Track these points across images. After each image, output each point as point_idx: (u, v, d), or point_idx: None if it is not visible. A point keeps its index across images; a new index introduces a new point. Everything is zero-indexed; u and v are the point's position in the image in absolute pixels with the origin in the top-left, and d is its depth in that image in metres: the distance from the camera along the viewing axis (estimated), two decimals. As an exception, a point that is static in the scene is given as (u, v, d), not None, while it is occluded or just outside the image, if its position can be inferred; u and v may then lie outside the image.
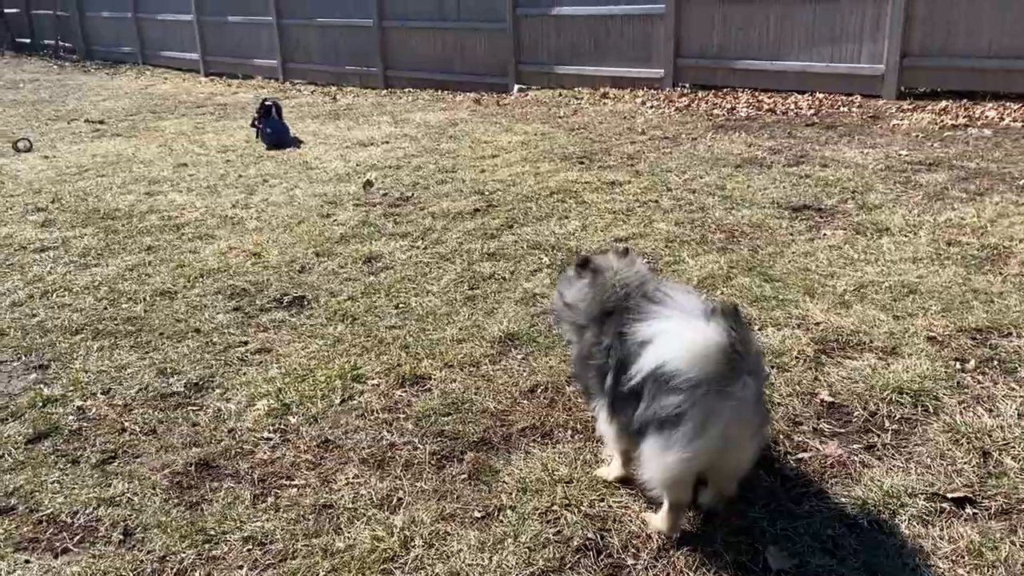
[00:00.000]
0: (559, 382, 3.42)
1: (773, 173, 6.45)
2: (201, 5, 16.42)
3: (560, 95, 11.07)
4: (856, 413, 3.08)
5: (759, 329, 3.77)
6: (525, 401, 3.30)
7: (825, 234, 5.02)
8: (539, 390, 3.37)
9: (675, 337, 2.16)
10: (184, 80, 15.98)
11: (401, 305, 4.34)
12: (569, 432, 3.06)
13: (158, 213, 6.24)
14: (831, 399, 3.17)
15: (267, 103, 8.91)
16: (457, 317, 4.13)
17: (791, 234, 5.04)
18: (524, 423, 3.14)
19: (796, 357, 3.49)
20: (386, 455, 2.99)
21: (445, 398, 3.35)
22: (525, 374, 3.50)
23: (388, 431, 3.14)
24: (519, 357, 3.67)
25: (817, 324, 3.79)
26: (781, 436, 2.95)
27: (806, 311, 3.93)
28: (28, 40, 22.03)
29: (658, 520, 2.46)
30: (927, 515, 2.50)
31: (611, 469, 2.73)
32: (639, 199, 5.94)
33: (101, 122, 10.83)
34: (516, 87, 12.07)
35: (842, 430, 2.99)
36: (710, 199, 5.83)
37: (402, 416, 3.25)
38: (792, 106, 9.02)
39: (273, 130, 8.68)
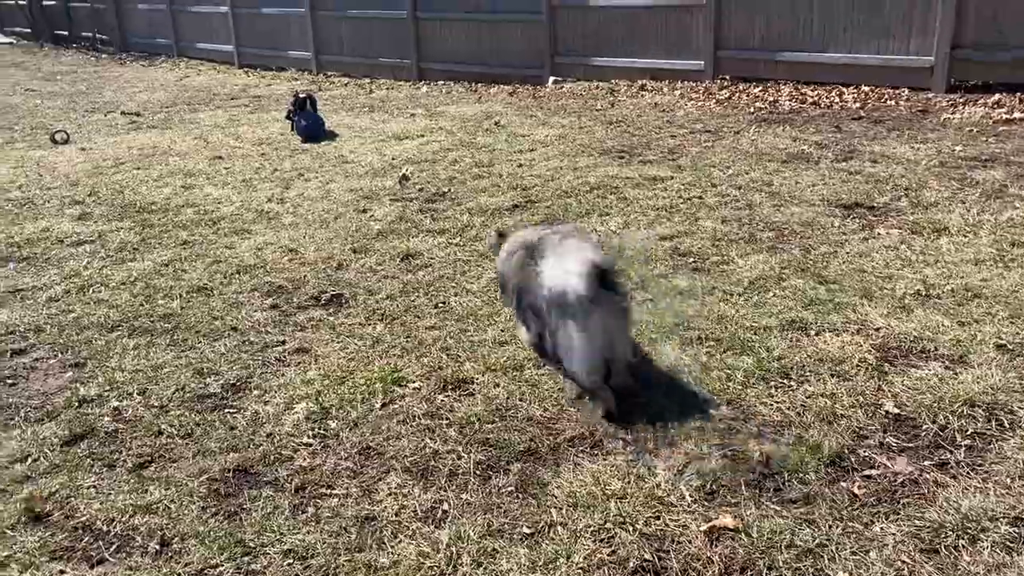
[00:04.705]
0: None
1: (821, 169, 6.23)
2: (235, -3, 16.44)
3: (597, 87, 10.89)
4: (925, 427, 2.90)
5: (815, 334, 3.60)
6: (572, 409, 3.17)
7: (879, 233, 4.82)
8: (587, 397, 3.23)
9: (564, 273, 2.98)
10: (218, 72, 16.00)
11: (441, 305, 4.23)
12: (620, 443, 2.92)
13: (194, 207, 6.18)
14: (897, 411, 3.00)
15: (301, 96, 8.83)
16: (498, 318, 4.00)
17: (844, 233, 4.84)
18: (572, 432, 3.01)
19: (857, 365, 3.32)
20: (429, 464, 2.88)
21: (489, 404, 3.23)
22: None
23: (431, 438, 3.03)
24: (564, 361, 3.53)
25: (877, 330, 3.61)
26: (845, 450, 2.79)
27: (864, 315, 3.75)
28: (66, 32, 22.24)
29: (595, 413, 3.06)
30: (1011, 542, 2.33)
31: (522, 334, 3.46)
32: (682, 195, 5.77)
33: (137, 114, 10.85)
34: (551, 79, 11.90)
35: (911, 445, 2.82)
36: (757, 196, 5.64)
37: (445, 422, 3.13)
38: (837, 99, 8.76)
39: (308, 123, 8.61)
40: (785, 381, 3.25)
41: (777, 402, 3.10)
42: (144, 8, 19.40)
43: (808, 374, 3.29)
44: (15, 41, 23.61)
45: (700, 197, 5.70)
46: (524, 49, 12.30)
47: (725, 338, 3.62)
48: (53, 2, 22.41)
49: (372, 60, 14.27)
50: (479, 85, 12.48)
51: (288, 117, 8.89)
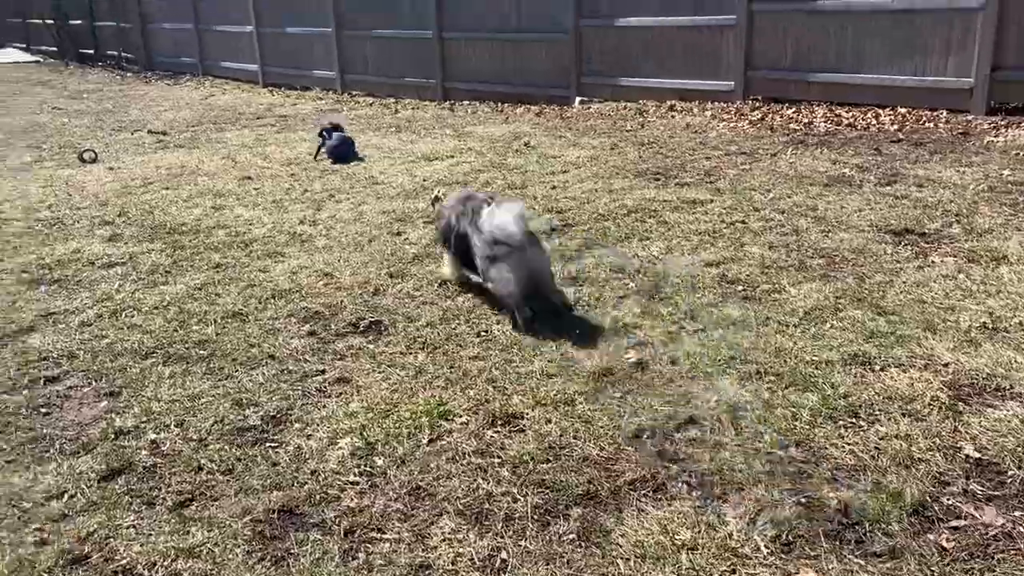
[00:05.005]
0: (667, 426, 3.13)
1: (865, 193, 6.07)
2: (260, 17, 16.49)
3: (625, 108, 10.78)
4: (1011, 472, 2.73)
5: (880, 370, 3.44)
6: (630, 448, 3.02)
7: (934, 262, 4.65)
8: (645, 435, 3.09)
9: (502, 222, 4.00)
10: (243, 91, 16.05)
11: (483, 333, 4.10)
12: (684, 486, 2.77)
13: (225, 228, 6.10)
14: (978, 455, 2.83)
15: (330, 124, 8.81)
16: (544, 348, 3.87)
17: (897, 261, 4.68)
18: (632, 474, 2.86)
19: (929, 404, 3.15)
20: (484, 507, 2.74)
21: (541, 441, 3.09)
22: (627, 416, 3.22)
23: (483, 478, 2.89)
24: (617, 396, 3.38)
25: (945, 365, 3.44)
26: (928, 498, 2.62)
27: (930, 350, 3.58)
28: (91, 51, 22.45)
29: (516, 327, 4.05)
30: (1124, 606, 2.16)
31: (446, 271, 4.73)
32: (724, 219, 5.62)
33: (164, 133, 10.85)
34: (578, 99, 11.81)
35: (998, 493, 2.65)
36: (802, 220, 5.49)
37: (496, 461, 2.99)
38: (873, 121, 8.60)
39: (338, 143, 8.52)
40: (854, 421, 3.09)
41: (848, 444, 2.94)
42: (169, 27, 19.54)
43: (878, 413, 3.12)
44: (41, 60, 23.86)
45: (743, 221, 5.55)
46: (549, 69, 12.23)
47: (785, 372, 3.47)
48: (79, 21, 22.63)
49: (397, 79, 14.26)
50: (504, 105, 12.42)
51: (320, 135, 8.77)
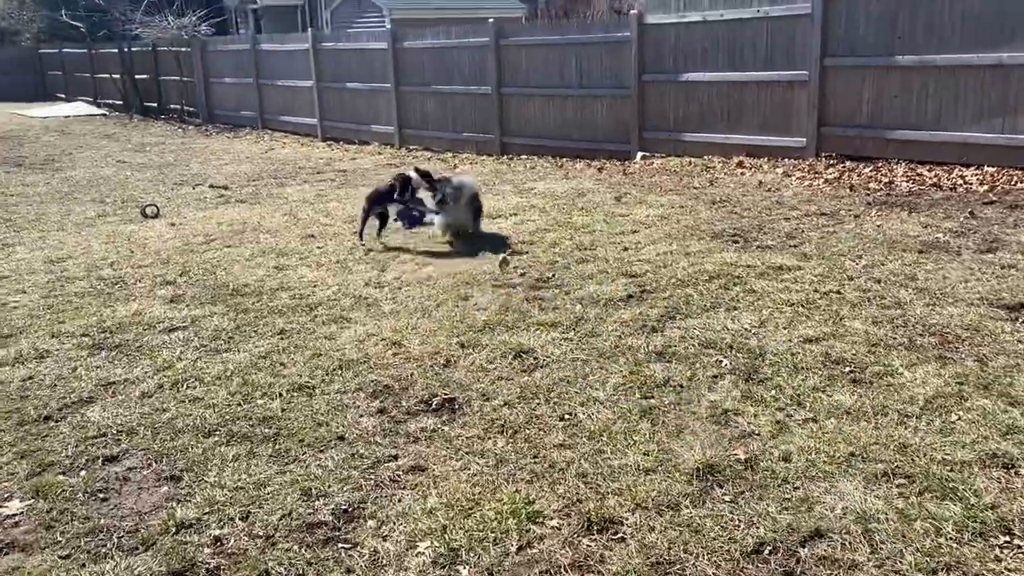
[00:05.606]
0: (791, 540, 2.75)
1: (966, 261, 5.65)
2: (321, 72, 16.71)
3: (690, 163, 10.50)
4: None
5: (1028, 474, 3.03)
6: (751, 566, 2.65)
7: (1061, 342, 4.21)
8: (766, 550, 2.72)
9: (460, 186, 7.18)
10: (302, 144, 16.19)
11: (567, 416, 3.77)
12: (822, 618, 2.39)
13: (289, 290, 5.91)
14: None
15: (410, 173, 7.71)
16: (637, 437, 3.53)
17: (1020, 342, 4.26)
18: (758, 599, 2.49)
19: (1098, 521, 2.73)
20: (589, 637, 2.39)
21: (647, 554, 2.73)
22: (742, 525, 2.85)
23: (585, 599, 2.54)
24: (727, 499, 3.02)
25: (1105, 471, 3.01)
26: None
27: (1082, 451, 3.16)
28: (155, 104, 23.05)
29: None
30: None
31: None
32: (817, 288, 5.25)
33: (225, 187, 10.87)
34: (639, 154, 11.58)
35: None
36: (903, 292, 5.09)
37: (598, 577, 2.65)
38: (960, 181, 8.17)
39: (419, 214, 7.46)
40: (1010, 540, 2.68)
41: (1010, 571, 2.53)
42: (231, 82, 19.96)
43: (1037, 530, 2.71)
44: (107, 112, 24.58)
45: (838, 291, 5.17)
46: (609, 124, 12.05)
47: (917, 475, 3.07)
48: (145, 76, 23.30)
49: (455, 134, 14.23)
50: (563, 160, 12.25)
51: (401, 200, 7.31)
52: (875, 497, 2.95)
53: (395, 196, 7.27)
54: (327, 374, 4.40)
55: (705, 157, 10.68)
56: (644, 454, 3.37)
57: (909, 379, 3.88)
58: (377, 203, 7.26)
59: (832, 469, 3.16)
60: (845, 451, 3.27)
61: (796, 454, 3.28)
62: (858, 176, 8.79)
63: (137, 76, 23.49)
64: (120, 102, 24.37)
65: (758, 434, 3.46)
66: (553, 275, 5.98)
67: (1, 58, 32.79)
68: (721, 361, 4.24)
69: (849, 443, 3.33)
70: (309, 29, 19.33)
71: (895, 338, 4.39)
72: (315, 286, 6.00)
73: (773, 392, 3.84)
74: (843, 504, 2.92)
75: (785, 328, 4.63)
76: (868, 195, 8.00)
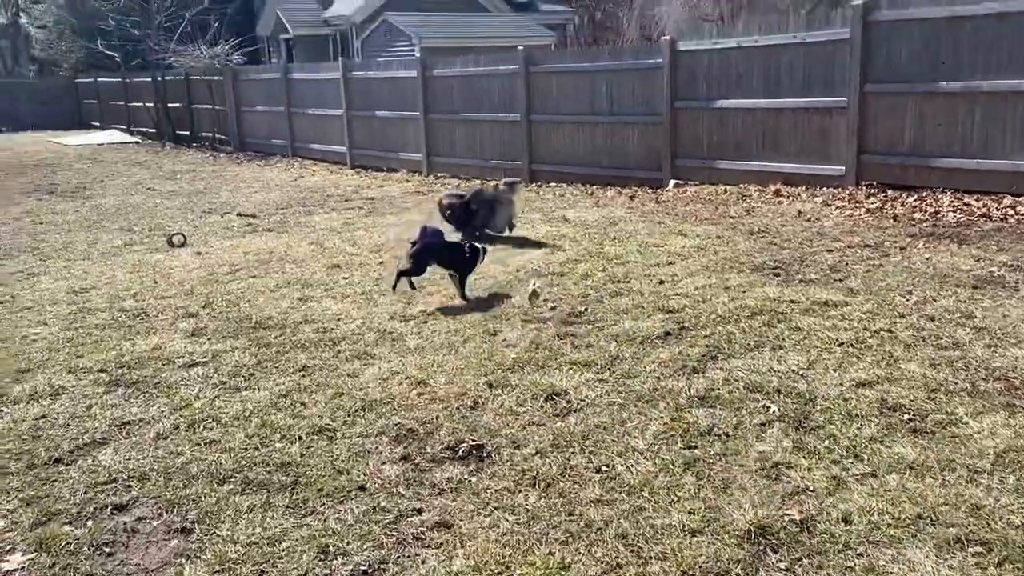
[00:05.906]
0: (858, 619, 2.47)
1: (1026, 297, 5.33)
2: (351, 100, 16.72)
3: (725, 192, 10.23)
4: None
5: (1122, 544, 2.71)
6: (813, 645, 2.37)
7: None
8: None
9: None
10: (331, 172, 16.16)
11: (604, 468, 3.51)
12: None
13: (312, 324, 5.72)
14: None
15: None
16: (681, 492, 3.26)
17: (1095, 387, 3.93)
18: None
19: None
20: None
21: (697, 631, 2.46)
22: (802, 599, 2.57)
23: None
24: (783, 567, 2.74)
25: None
26: None
27: None
28: (187, 132, 23.28)
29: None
30: None
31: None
32: (867, 327, 4.95)
33: (253, 216, 10.79)
34: (672, 182, 11.33)
35: None
36: (961, 331, 4.77)
37: (642, 657, 2.38)
38: (1010, 211, 7.82)
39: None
40: (1111, 623, 2.37)
41: (1115, 662, 2.23)
42: (262, 110, 20.07)
43: None
44: (140, 140, 24.87)
45: (890, 330, 4.87)
46: (641, 151, 11.83)
47: (993, 541, 2.78)
48: (178, 104, 23.56)
49: (483, 162, 14.09)
50: (593, 187, 12.04)
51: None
52: (949, 569, 2.66)
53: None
54: (349, 415, 4.19)
55: (740, 185, 10.40)
56: (689, 512, 3.10)
57: (976, 429, 3.58)
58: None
59: (898, 533, 2.87)
60: (911, 512, 2.98)
61: (856, 515, 2.99)
62: (901, 206, 8.46)
63: (170, 104, 23.77)
64: (153, 130, 24.66)
65: (813, 490, 3.18)
66: (585, 309, 5.73)
67: (40, 88, 33.54)
68: (768, 407, 3.96)
69: (915, 503, 3.04)
70: (340, 58, 19.39)
71: (956, 383, 4.08)
72: (339, 319, 5.81)
73: (827, 443, 3.55)
74: (914, 576, 2.64)
75: (835, 370, 4.34)
76: (913, 225, 7.68)
